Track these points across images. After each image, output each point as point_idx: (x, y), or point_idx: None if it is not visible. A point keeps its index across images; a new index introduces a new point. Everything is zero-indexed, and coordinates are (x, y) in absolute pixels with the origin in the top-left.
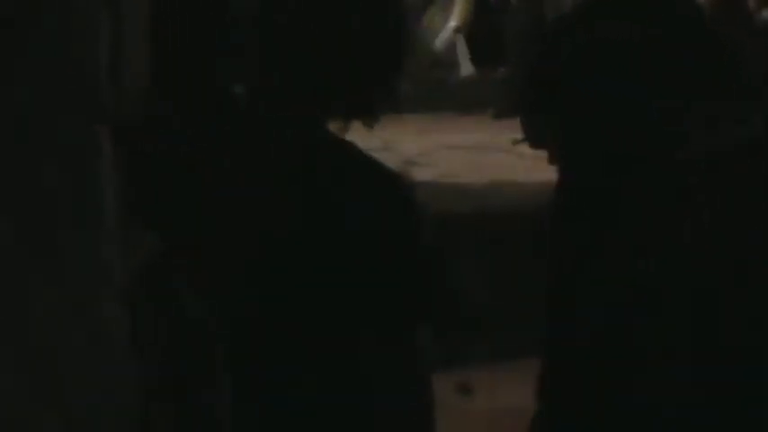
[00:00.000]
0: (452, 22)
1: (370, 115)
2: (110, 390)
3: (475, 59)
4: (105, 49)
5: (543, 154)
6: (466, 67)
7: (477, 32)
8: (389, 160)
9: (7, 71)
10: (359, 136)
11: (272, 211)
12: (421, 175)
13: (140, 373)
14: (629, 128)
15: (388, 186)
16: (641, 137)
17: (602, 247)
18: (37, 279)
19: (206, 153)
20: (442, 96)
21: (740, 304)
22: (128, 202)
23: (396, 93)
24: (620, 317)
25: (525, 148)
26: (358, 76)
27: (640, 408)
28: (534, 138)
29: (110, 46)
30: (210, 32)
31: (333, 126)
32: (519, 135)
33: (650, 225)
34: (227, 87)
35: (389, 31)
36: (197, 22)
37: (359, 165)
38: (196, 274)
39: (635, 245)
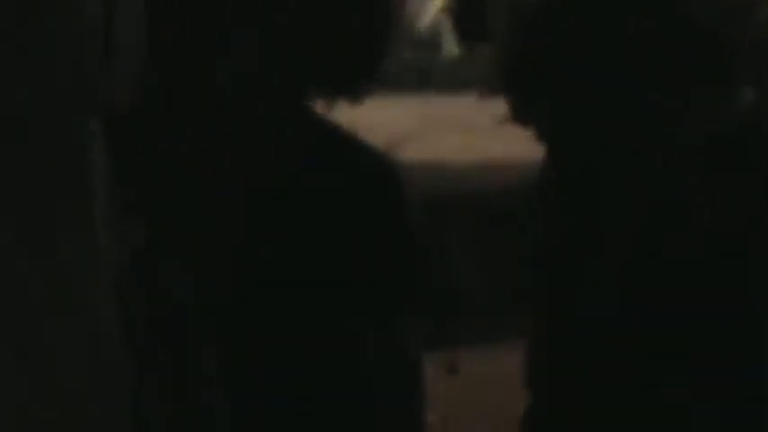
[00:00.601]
0: (437, 1)
1: (354, 94)
2: (107, 388)
3: (460, 38)
4: (99, 45)
5: (530, 132)
6: (450, 47)
7: (463, 12)
8: (374, 141)
9: (4, 70)
10: (344, 115)
11: (260, 199)
12: (407, 155)
13: (135, 369)
14: (619, 119)
15: (377, 169)
16: (633, 129)
17: (596, 238)
18: (35, 278)
19: (191, 139)
20: (427, 76)
21: (741, 304)
22: (118, 191)
23: (380, 72)
24: (615, 314)
25: (513, 128)
26: (344, 57)
27: (645, 407)
28: (519, 115)
29: (103, 41)
30: (203, 23)
31: (317, 105)
32: (504, 113)
33: (645, 218)
34: (213, 75)
35: (378, 11)
36: (191, 14)
37: (345, 147)
38: (185, 266)
39: (630, 238)
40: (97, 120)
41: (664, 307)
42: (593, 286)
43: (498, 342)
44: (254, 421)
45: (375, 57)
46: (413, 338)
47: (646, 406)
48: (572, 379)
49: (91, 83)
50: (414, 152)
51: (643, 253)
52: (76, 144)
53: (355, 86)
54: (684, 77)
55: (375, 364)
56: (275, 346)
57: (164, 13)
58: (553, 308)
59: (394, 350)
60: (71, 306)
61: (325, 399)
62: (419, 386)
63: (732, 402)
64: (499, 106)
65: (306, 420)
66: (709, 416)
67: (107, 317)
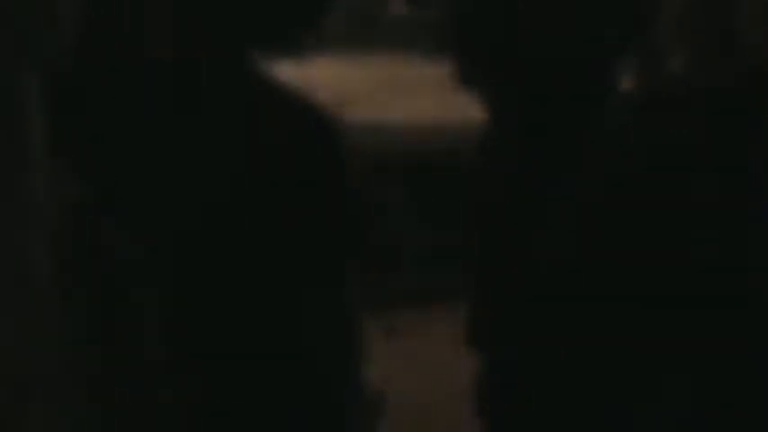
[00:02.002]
0: None
1: (294, 49)
2: (35, 332)
3: None
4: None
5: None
6: (398, 4)
7: None
8: (318, 98)
9: None
10: (290, 74)
11: (202, 154)
12: (353, 115)
13: (67, 316)
14: (559, 83)
15: (319, 126)
16: (573, 91)
17: (540, 199)
18: None
19: (138, 94)
20: (374, 34)
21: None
22: (59, 145)
23: (320, 25)
24: (563, 270)
25: (459, 89)
26: (282, 9)
27: (598, 363)
28: (466, 78)
29: None
30: None
31: (259, 61)
32: (451, 74)
33: (585, 178)
34: (156, 29)
35: None
36: None
37: (289, 104)
38: (127, 223)
39: (575, 197)
40: (37, 75)
41: (614, 260)
42: (538, 247)
43: (439, 300)
44: (194, 377)
45: (315, 8)
46: (353, 296)
47: (599, 362)
48: (524, 338)
49: (34, 38)
50: (360, 112)
51: (589, 210)
52: (14, 101)
53: (295, 40)
54: (617, 40)
55: (315, 319)
56: (214, 302)
57: None
58: (497, 266)
59: (334, 307)
60: (6, 261)
61: (264, 354)
62: (359, 342)
63: (693, 360)
64: (446, 67)
65: (245, 376)
66: (671, 373)
67: (35, 258)
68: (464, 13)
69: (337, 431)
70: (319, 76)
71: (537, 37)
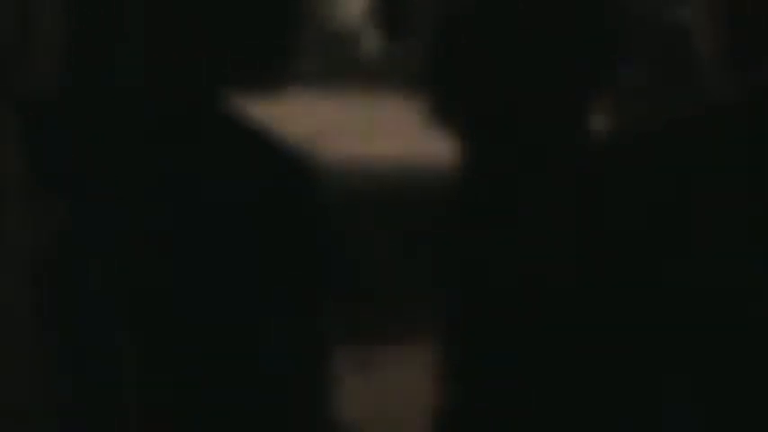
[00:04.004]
0: None
1: (265, 88)
2: (14, 362)
3: (381, 32)
4: (12, 21)
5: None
6: (371, 40)
7: (385, 7)
8: (291, 137)
9: None
10: (259, 111)
11: (175, 191)
12: (325, 150)
13: (44, 347)
14: (534, 117)
15: (292, 164)
16: (547, 128)
17: (515, 234)
18: None
19: (108, 129)
20: (347, 70)
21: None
22: (34, 177)
23: (290, 63)
24: (536, 306)
25: (432, 127)
26: (251, 47)
27: (571, 395)
28: (440, 113)
29: (18, 18)
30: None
31: (230, 100)
32: (426, 111)
33: (563, 211)
34: (129, 61)
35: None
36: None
37: (261, 142)
38: (103, 255)
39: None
40: (11, 106)
41: (587, 293)
42: (512, 285)
43: (412, 333)
44: (162, 411)
45: (284, 49)
46: (324, 334)
47: (572, 394)
48: (492, 374)
49: (7, 69)
50: (333, 148)
51: (562, 246)
52: None
53: (266, 79)
54: (590, 79)
55: (287, 351)
56: (185, 337)
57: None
58: (473, 304)
59: (305, 344)
60: None
61: (233, 391)
62: (329, 381)
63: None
64: (420, 103)
65: (213, 407)
66: (647, 407)
67: (12, 293)
68: (441, 47)
69: None
70: (293, 112)
71: (512, 73)
